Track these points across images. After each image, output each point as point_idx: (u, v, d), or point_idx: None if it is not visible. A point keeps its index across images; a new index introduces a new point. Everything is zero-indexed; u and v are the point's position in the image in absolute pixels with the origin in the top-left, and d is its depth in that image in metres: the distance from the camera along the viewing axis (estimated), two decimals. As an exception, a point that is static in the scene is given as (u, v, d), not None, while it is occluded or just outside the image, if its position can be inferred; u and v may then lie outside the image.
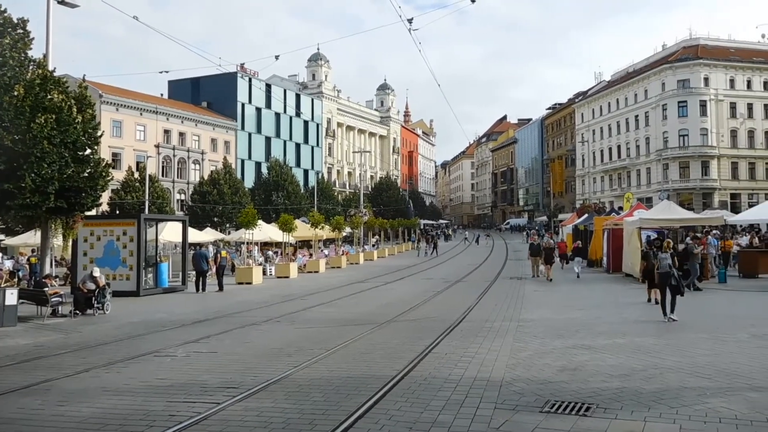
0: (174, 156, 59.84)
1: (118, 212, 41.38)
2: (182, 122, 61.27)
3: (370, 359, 9.24)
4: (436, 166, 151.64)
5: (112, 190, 46.75)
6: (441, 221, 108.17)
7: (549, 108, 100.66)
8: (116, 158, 52.73)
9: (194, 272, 22.88)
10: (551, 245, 24.99)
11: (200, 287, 22.27)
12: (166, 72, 29.34)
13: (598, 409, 6.23)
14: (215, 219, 48.76)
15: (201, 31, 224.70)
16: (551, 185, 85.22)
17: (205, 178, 53.61)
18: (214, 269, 24.03)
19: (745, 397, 6.58)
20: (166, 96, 68.13)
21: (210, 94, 67.69)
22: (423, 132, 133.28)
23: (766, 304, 15.51)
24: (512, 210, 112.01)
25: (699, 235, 24.93)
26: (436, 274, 28.54)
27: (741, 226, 29.73)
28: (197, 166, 61.92)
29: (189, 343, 11.11)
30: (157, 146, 58.00)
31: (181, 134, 61.11)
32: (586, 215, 38.55)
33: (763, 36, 54.99)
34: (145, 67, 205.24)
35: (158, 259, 22.42)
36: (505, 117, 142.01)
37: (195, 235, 30.82)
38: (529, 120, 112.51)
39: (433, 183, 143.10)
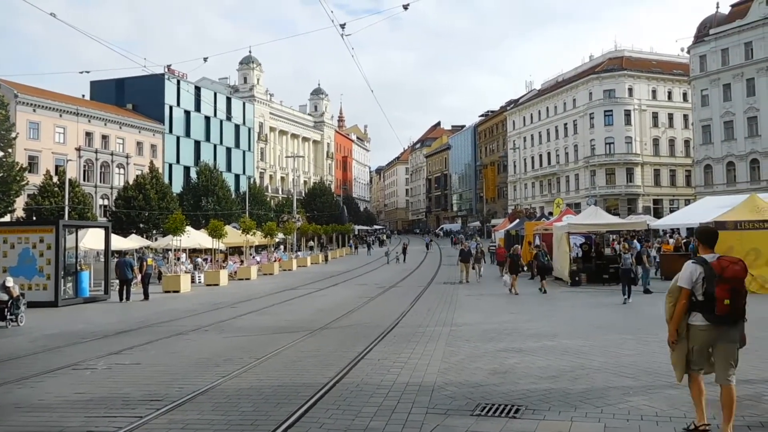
0: (97, 160, 57.41)
1: (34, 218, 39.32)
2: (105, 124, 58.89)
3: (301, 367, 9.08)
4: (370, 172, 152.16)
5: (28, 195, 44.49)
6: (376, 226, 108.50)
7: (482, 115, 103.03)
8: (33, 162, 50.21)
9: (118, 281, 22.00)
10: (518, 252, 22.08)
11: (124, 296, 21.42)
12: (87, 72, 28.47)
13: (527, 411, 6.31)
14: (141, 225, 47.11)
15: (126, 32, 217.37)
16: (484, 191, 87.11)
17: (131, 182, 51.75)
18: (139, 277, 23.14)
19: (666, 394, 6.84)
20: (88, 97, 65.36)
21: (136, 95, 65.38)
22: (357, 137, 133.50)
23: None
24: (446, 215, 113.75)
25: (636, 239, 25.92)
26: (369, 280, 28.54)
27: (663, 230, 31.19)
28: (122, 171, 59.64)
29: (111, 354, 10.59)
30: (78, 149, 55.51)
31: (105, 137, 58.72)
32: (517, 220, 39.59)
33: (682, 49, 58.18)
34: (65, 67, 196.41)
35: (78, 268, 21.42)
36: (439, 123, 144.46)
37: (119, 242, 29.68)
38: (462, 127, 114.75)
39: (367, 188, 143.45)
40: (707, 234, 5.41)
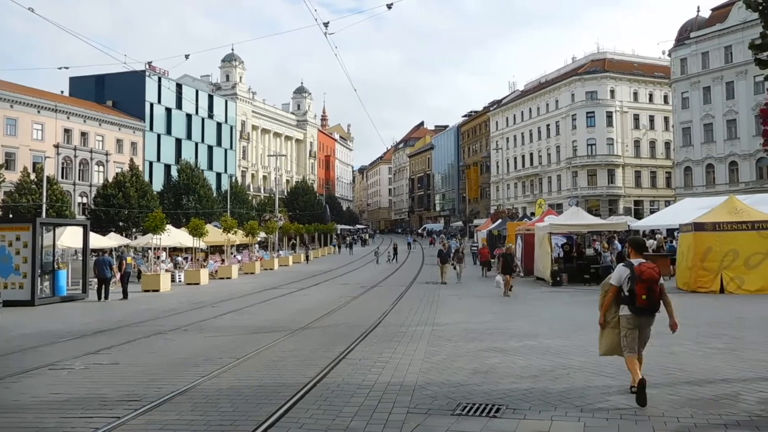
0: (75, 157, 56.63)
1: (11, 216, 38.72)
2: (85, 121, 58.11)
3: (282, 367, 9.02)
4: (353, 171, 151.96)
5: (5, 193, 43.83)
6: (358, 226, 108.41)
7: (465, 115, 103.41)
8: (10, 158, 49.42)
9: (96, 280, 21.72)
10: (512, 251, 21.27)
11: (103, 295, 21.15)
12: (66, 68, 27.51)
13: (508, 410, 6.33)
14: (120, 223, 46.58)
15: (106, 28, 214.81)
16: (467, 191, 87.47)
17: (110, 180, 51.11)
18: (118, 276, 22.87)
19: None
20: (67, 93, 64.45)
21: (116, 92, 64.57)
22: (340, 136, 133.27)
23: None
24: (429, 215, 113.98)
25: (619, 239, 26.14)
26: (351, 280, 28.50)
27: (644, 231, 31.51)
28: (101, 168, 58.88)
29: (89, 354, 10.43)
30: (57, 146, 54.72)
31: (84, 134, 57.95)
32: (500, 220, 39.83)
33: (663, 52, 58.96)
34: (44, 63, 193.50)
35: (56, 266, 21.10)
36: (422, 123, 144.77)
37: (98, 241, 29.33)
38: (445, 127, 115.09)
39: (350, 188, 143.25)
40: (638, 243, 7.03)
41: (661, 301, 6.54)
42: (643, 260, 6.62)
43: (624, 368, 7.60)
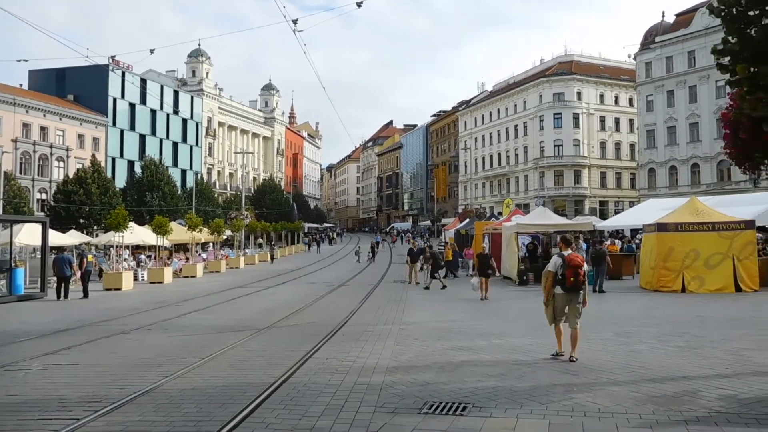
0: (35, 152, 55.11)
1: (-34, 212, 37.42)
2: (45, 115, 56.60)
3: (247, 367, 8.91)
4: (321, 169, 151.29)
5: (-40, 188, 42.37)
6: (326, 224, 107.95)
7: (434, 115, 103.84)
8: (-34, 153, 47.75)
9: (55, 278, 21.16)
10: (485, 251, 20.12)
11: (62, 294, 20.60)
12: (25, 60, 26.84)
13: (474, 408, 6.35)
14: (81, 221, 45.48)
15: (67, 20, 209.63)
16: (435, 190, 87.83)
17: (71, 176, 49.86)
18: (78, 275, 22.32)
19: (608, 391, 7.00)
20: (26, 87, 62.68)
21: (77, 86, 63.03)
22: (308, 134, 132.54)
23: (628, 304, 16.75)
24: (397, 214, 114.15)
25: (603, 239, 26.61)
26: (319, 278, 28.35)
27: (608, 231, 32.10)
28: (61, 164, 57.43)
29: (47, 354, 10.15)
30: (15, 141, 53.19)
31: (43, 128, 56.44)
32: (467, 220, 40.07)
33: (629, 56, 60.11)
34: (2, 55, 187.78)
35: (13, 264, 20.49)
36: (391, 122, 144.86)
37: (57, 238, 28.56)
38: (414, 126, 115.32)
39: (318, 186, 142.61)
40: (566, 239, 9.49)
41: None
42: (571, 252, 8.95)
43: (588, 366, 7.70)
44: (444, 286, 21.47)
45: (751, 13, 5.84)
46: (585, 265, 8.98)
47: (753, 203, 24.51)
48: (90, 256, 24.86)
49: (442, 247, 30.59)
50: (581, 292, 8.76)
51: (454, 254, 27.70)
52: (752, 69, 5.78)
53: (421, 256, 24.70)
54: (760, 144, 6.70)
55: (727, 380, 7.41)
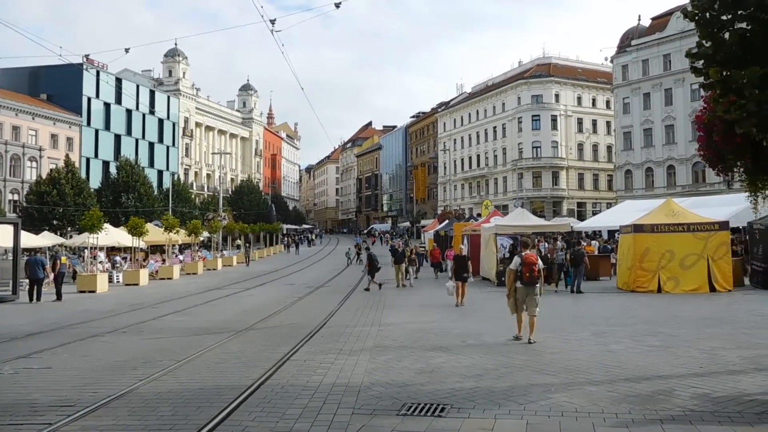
0: (6, 152, 54.00)
1: (-64, 213, 36.57)
2: (17, 115, 55.52)
3: (224, 369, 8.82)
4: (300, 170, 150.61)
5: (-71, 188, 41.42)
6: (305, 226, 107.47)
7: (413, 116, 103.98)
8: (-65, 152, 46.74)
9: (27, 280, 20.76)
10: (462, 252, 18.58)
11: (35, 297, 20.22)
12: (-2, 58, 25.95)
13: (453, 409, 6.36)
14: (55, 222, 44.70)
15: (40, 18, 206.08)
16: (414, 192, 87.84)
17: (44, 176, 48.97)
18: (51, 277, 21.92)
19: (585, 391, 7.05)
20: (-3, 85, 61.43)
21: (51, 86, 61.91)
22: (287, 135, 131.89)
23: (605, 304, 16.93)
24: (376, 215, 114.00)
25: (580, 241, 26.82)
26: (298, 280, 28.22)
27: (586, 232, 32.42)
28: (34, 164, 56.34)
29: (19, 358, 9.96)
30: (-14, 140, 52.09)
31: (15, 128, 55.34)
32: (447, 221, 40.20)
33: (606, 59, 60.81)
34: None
35: (-16, 266, 20.06)
36: (370, 123, 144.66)
37: (30, 240, 28.06)
38: (394, 127, 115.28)
39: (297, 187, 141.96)
40: (525, 242, 11.31)
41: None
42: (528, 252, 10.68)
43: (567, 366, 7.76)
44: (379, 286, 21.91)
45: (724, 17, 5.93)
46: (540, 262, 10.68)
47: (727, 204, 24.90)
48: (63, 258, 24.51)
49: (424, 249, 30.54)
50: (537, 285, 10.38)
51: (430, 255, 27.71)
52: (725, 72, 5.87)
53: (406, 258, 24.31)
54: (732, 146, 6.80)
55: (702, 379, 7.51)
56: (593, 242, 28.52)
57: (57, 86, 61.54)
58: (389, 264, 26.23)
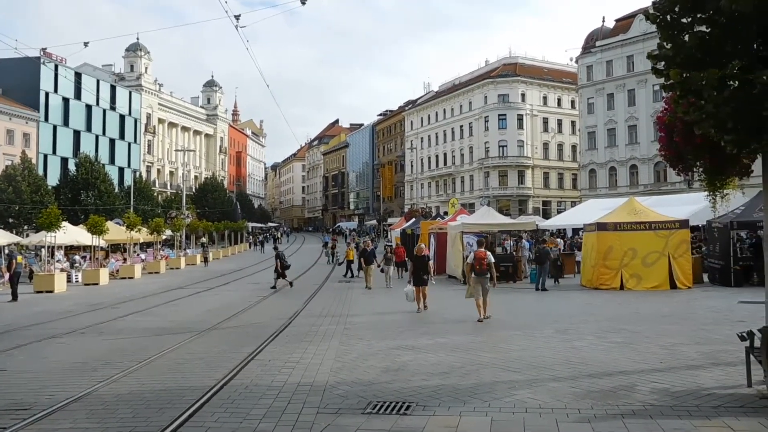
0: (-40, 147, 52.23)
1: None
2: (-29, 109, 53.68)
3: (187, 370, 8.67)
4: (266, 168, 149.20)
5: None
6: (270, 224, 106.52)
7: (380, 114, 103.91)
8: None
9: (-18, 280, 20.11)
10: (423, 252, 15.82)
11: (-11, 297, 19.59)
12: (-49, 50, 24.77)
13: (418, 407, 6.36)
14: (10, 220, 43.40)
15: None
16: (381, 190, 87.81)
17: (-1, 173, 47.47)
18: (7, 277, 21.25)
19: (548, 387, 7.13)
20: (-51, 79, 59.23)
21: (6, 79, 59.87)
22: (253, 132, 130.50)
23: (569, 302, 17.18)
24: (343, 213, 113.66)
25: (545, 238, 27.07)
26: (262, 279, 27.96)
27: (551, 230, 32.84)
28: (-10, 160, 54.58)
29: (-30, 361, 9.63)
30: (-62, 135, 50.22)
31: (-30, 123, 53.52)
32: (413, 219, 40.28)
33: (571, 59, 61.71)
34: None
35: (-66, 265, 19.35)
36: (337, 121, 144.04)
37: (-15, 238, 27.16)
38: (360, 125, 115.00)
39: (262, 185, 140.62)
40: (480, 242, 13.93)
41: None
42: (481, 249, 13.23)
43: (531, 363, 7.87)
44: (290, 284, 22.84)
45: (684, 20, 6.04)
46: (490, 256, 13.18)
47: (687, 203, 25.44)
48: (19, 257, 23.79)
49: (390, 247, 30.26)
50: (488, 275, 12.78)
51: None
52: (684, 74, 5.97)
53: (378, 257, 23.55)
54: (692, 147, 6.94)
55: (661, 374, 7.66)
56: (558, 240, 28.93)
57: (13, 80, 59.56)
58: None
